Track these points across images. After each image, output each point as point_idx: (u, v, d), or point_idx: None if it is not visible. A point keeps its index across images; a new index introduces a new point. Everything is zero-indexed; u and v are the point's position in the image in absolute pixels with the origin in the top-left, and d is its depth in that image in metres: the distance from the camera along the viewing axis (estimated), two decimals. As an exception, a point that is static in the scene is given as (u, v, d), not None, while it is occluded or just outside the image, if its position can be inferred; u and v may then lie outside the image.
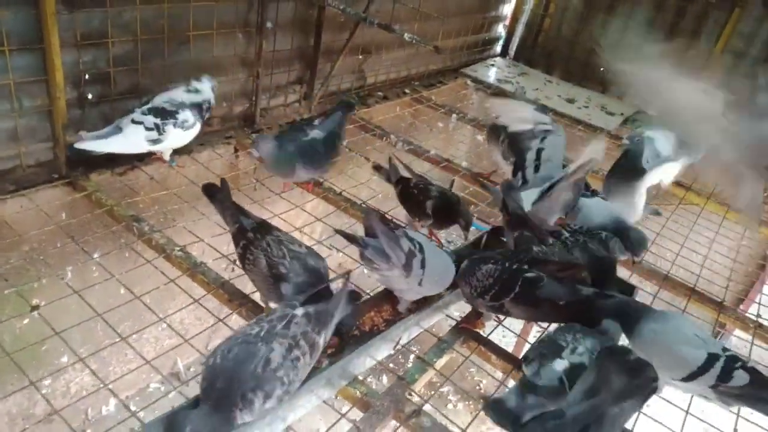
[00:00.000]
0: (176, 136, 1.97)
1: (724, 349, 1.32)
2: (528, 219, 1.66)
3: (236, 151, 2.45)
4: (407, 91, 3.31)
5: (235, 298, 1.59)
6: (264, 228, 1.43)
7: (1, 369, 2.02)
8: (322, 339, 1.18)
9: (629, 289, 1.81)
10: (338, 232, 1.37)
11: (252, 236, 1.41)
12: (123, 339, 1.45)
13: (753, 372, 1.30)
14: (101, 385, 1.45)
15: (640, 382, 1.12)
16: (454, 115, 3.14)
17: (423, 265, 1.42)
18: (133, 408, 2.73)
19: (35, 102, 1.83)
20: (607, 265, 1.67)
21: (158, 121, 1.90)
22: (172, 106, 1.95)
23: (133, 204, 1.88)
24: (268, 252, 1.37)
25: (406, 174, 1.99)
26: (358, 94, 3.09)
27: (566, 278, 1.38)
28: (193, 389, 2.67)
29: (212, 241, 1.86)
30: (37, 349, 1.37)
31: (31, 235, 1.70)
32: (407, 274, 1.40)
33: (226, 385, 1.05)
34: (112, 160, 1.99)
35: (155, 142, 1.92)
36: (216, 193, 1.55)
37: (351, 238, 1.37)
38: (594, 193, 2.02)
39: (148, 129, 1.88)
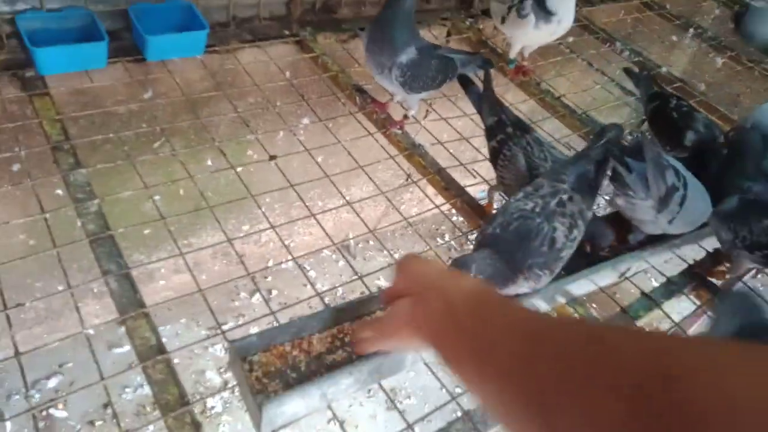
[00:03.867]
0: None
1: None
2: None
3: (449, 34, 2.31)
4: (638, -8, 2.87)
5: (452, 187, 1.54)
6: (523, 126, 1.34)
7: (218, 202, 2.24)
8: (591, 212, 1.16)
9: None
10: (609, 153, 1.18)
11: (512, 131, 1.32)
12: (312, 215, 1.48)
13: None
14: (286, 241, 1.51)
15: None
16: (690, 30, 2.68)
17: (682, 203, 1.24)
18: (306, 267, 2.96)
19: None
20: None
21: None
22: None
23: (354, 73, 1.85)
24: (528, 151, 1.27)
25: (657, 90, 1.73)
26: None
27: None
28: (359, 263, 2.79)
29: (426, 124, 1.81)
30: (250, 190, 1.46)
31: (262, 85, 1.75)
32: (661, 209, 1.24)
33: (512, 252, 1.05)
34: (338, 25, 1.95)
35: None
36: (471, 85, 1.48)
37: (619, 159, 1.20)
38: None
39: None
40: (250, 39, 1.83)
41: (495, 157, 1.40)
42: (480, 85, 1.52)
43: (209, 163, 1.80)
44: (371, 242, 2.83)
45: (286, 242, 2.61)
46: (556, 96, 2.01)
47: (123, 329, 1.08)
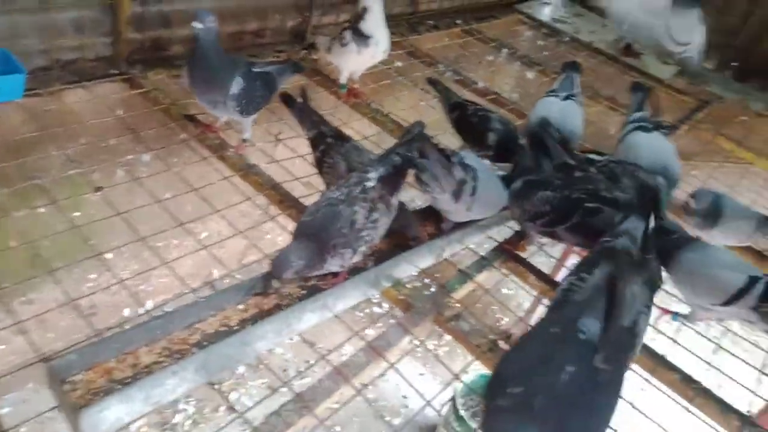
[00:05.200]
0: None
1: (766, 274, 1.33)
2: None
3: (285, 66, 2.45)
4: (458, 22, 3.23)
5: (287, 200, 1.64)
6: (343, 136, 1.49)
7: (57, 251, 2.15)
8: (395, 198, 1.31)
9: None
10: (397, 151, 1.34)
11: (332, 141, 1.45)
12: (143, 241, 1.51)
13: None
14: (140, 286, 1.52)
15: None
16: (504, 50, 3.07)
17: (473, 193, 1.43)
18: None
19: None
20: (656, 196, 1.65)
21: None
22: None
23: (188, 105, 1.92)
24: (348, 157, 1.41)
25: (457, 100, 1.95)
26: (408, 21, 3.04)
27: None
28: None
29: (264, 147, 1.91)
30: (91, 236, 1.45)
31: (92, 124, 1.76)
32: (456, 200, 1.42)
33: (318, 236, 1.18)
34: (170, 62, 2.02)
35: None
36: (293, 102, 1.59)
37: (408, 160, 1.36)
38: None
39: None
40: (74, 80, 1.83)
41: (320, 165, 1.54)
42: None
43: (42, 210, 1.75)
44: (238, 276, 2.83)
45: (142, 287, 2.53)
46: (385, 113, 2.20)
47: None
